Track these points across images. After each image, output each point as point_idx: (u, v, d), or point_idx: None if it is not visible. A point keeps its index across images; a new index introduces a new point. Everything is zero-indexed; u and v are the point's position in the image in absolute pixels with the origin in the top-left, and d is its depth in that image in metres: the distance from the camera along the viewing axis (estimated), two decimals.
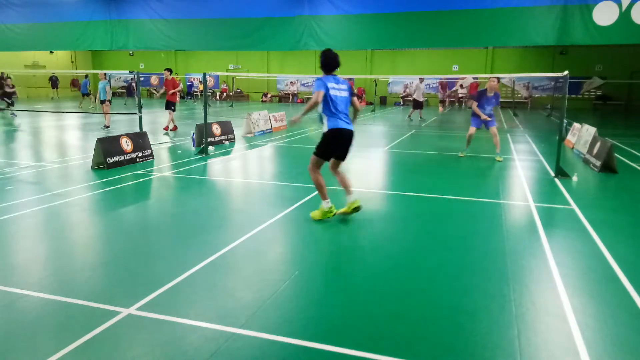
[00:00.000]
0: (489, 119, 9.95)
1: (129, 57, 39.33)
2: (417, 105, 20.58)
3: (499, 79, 10.32)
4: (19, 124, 16.53)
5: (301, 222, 5.53)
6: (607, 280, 3.94)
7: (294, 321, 3.21)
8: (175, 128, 14.85)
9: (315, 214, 5.52)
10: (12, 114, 19.10)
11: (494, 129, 10.01)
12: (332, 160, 5.60)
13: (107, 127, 15.06)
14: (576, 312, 3.36)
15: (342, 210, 5.57)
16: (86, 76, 25.26)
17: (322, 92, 5.18)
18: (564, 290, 3.71)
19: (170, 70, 15.23)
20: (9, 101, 19.72)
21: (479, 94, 10.13)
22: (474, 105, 10.08)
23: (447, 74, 31.64)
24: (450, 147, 11.83)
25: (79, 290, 3.63)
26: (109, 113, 15.65)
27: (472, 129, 10.26)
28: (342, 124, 5.36)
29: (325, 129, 5.40)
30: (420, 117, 21.21)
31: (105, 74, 15.81)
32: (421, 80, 20.39)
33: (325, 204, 5.44)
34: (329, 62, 5.39)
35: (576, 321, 3.23)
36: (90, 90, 23.71)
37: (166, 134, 13.92)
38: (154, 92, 34.60)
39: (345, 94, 5.47)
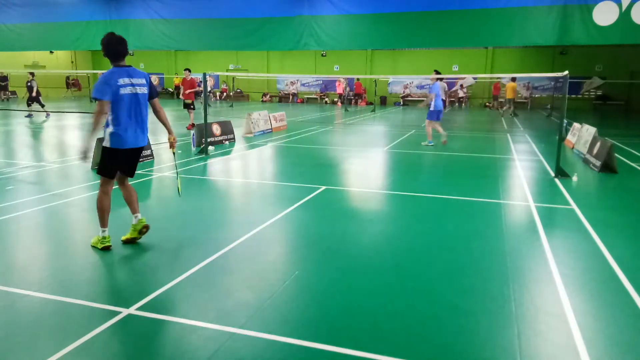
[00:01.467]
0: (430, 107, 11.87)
1: (129, 57, 39.22)
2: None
3: (441, 79, 12.26)
4: (43, 122, 16.51)
5: (301, 222, 5.53)
6: (607, 280, 3.94)
7: (294, 321, 3.21)
8: (190, 127, 15.00)
9: (94, 240, 4.56)
10: (29, 115, 19.05)
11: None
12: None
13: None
14: (576, 312, 3.36)
15: (127, 236, 4.66)
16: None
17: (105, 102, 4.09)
18: (564, 290, 3.71)
19: (189, 70, 15.39)
20: (42, 103, 19.69)
21: (434, 86, 11.94)
22: (430, 98, 11.91)
23: (447, 74, 31.61)
24: (450, 147, 11.82)
25: (79, 290, 3.63)
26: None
27: (433, 122, 12.04)
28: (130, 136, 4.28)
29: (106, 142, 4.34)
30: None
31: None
32: (440, 79, 21.06)
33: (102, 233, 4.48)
34: (115, 48, 4.24)
35: (576, 321, 3.23)
36: None
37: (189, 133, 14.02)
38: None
39: (144, 90, 4.37)
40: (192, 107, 15.22)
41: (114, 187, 4.67)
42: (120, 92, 4.16)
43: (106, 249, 4.43)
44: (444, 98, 21.41)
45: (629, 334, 3.10)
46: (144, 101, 4.40)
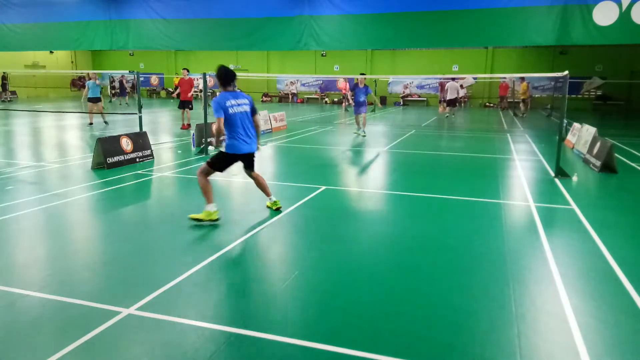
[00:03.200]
0: (352, 103, 13.99)
1: (129, 57, 39.32)
2: (451, 103, 22.57)
3: (364, 74, 13.85)
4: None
5: (301, 222, 5.53)
6: (607, 280, 3.94)
7: (294, 321, 3.21)
8: (185, 127, 15.03)
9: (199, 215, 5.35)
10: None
11: (364, 115, 13.74)
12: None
13: (107, 123, 15.41)
14: (576, 312, 3.36)
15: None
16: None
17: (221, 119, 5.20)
18: (564, 290, 3.71)
19: (187, 70, 15.47)
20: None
21: (353, 86, 13.80)
22: (349, 94, 14.12)
23: (447, 74, 31.61)
24: (450, 147, 11.82)
25: (79, 290, 3.63)
26: (96, 112, 16.14)
27: (356, 116, 13.83)
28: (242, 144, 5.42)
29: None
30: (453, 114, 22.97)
31: (95, 74, 16.19)
32: (453, 79, 22.65)
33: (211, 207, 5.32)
34: (225, 77, 5.34)
35: (576, 321, 3.23)
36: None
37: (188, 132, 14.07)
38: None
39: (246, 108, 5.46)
40: (190, 107, 15.38)
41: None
42: (230, 112, 5.22)
43: (212, 221, 5.25)
44: (456, 96, 22.80)
45: (629, 334, 3.10)
46: (249, 117, 5.45)
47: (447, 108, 22.56)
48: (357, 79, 13.92)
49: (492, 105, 31.85)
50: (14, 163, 9.08)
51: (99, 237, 5.05)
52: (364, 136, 13.61)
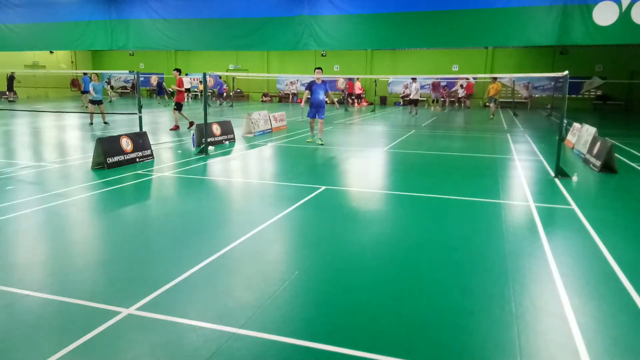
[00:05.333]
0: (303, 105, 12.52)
1: (129, 57, 39.33)
2: (412, 102, 23.01)
3: (321, 69, 12.22)
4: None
5: (301, 222, 5.53)
6: (607, 280, 3.94)
7: (294, 321, 3.21)
8: (175, 127, 14.97)
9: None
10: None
11: (321, 121, 11.81)
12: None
13: (107, 123, 15.43)
14: (576, 312, 3.36)
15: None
16: (85, 74, 25.20)
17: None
18: (564, 290, 3.71)
19: (178, 71, 15.41)
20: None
21: (309, 84, 11.87)
22: (307, 93, 11.88)
23: (447, 74, 31.62)
24: (450, 147, 11.83)
25: (79, 290, 3.63)
26: (95, 113, 16.20)
27: (311, 120, 12.12)
28: None
29: None
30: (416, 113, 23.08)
31: (97, 74, 16.20)
32: (413, 79, 23.09)
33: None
34: None
35: (576, 321, 3.23)
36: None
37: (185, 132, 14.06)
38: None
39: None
40: (175, 107, 15.11)
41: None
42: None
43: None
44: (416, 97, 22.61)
45: (628, 333, 3.10)
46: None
47: (410, 107, 22.92)
48: (316, 77, 11.90)
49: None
50: (14, 163, 9.08)
51: (99, 237, 5.04)
52: (321, 144, 11.67)
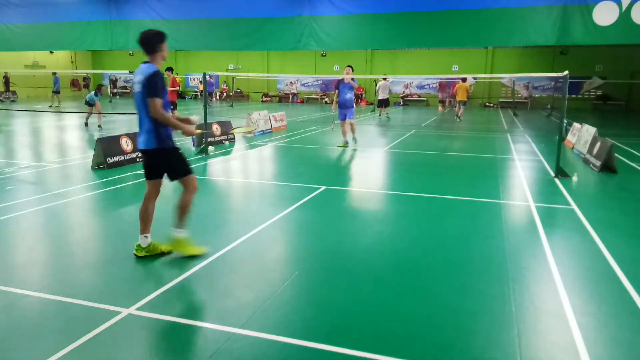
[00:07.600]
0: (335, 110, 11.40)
1: (129, 57, 39.32)
2: (383, 102, 21.62)
3: (352, 67, 11.31)
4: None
5: (301, 222, 5.53)
6: (607, 280, 3.94)
7: (294, 321, 3.21)
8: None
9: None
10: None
11: (352, 122, 11.25)
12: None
13: (100, 127, 15.54)
14: (576, 312, 3.36)
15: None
16: (54, 73, 24.97)
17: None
18: (564, 290, 3.71)
19: (171, 70, 15.41)
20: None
21: (336, 83, 11.27)
22: (335, 94, 11.20)
23: (447, 74, 31.61)
24: (450, 147, 11.83)
25: (79, 290, 3.63)
26: (94, 113, 16.25)
27: (341, 123, 11.33)
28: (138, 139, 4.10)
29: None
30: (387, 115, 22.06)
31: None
32: (384, 78, 21.82)
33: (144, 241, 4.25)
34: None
35: (576, 321, 3.23)
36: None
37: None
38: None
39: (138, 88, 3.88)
40: (173, 108, 15.24)
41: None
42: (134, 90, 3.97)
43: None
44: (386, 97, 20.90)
45: (629, 333, 3.10)
46: (140, 101, 3.98)
47: (380, 108, 21.82)
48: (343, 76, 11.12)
49: (492, 105, 31.83)
50: (14, 163, 9.08)
51: (99, 237, 5.05)
52: (353, 145, 11.35)
